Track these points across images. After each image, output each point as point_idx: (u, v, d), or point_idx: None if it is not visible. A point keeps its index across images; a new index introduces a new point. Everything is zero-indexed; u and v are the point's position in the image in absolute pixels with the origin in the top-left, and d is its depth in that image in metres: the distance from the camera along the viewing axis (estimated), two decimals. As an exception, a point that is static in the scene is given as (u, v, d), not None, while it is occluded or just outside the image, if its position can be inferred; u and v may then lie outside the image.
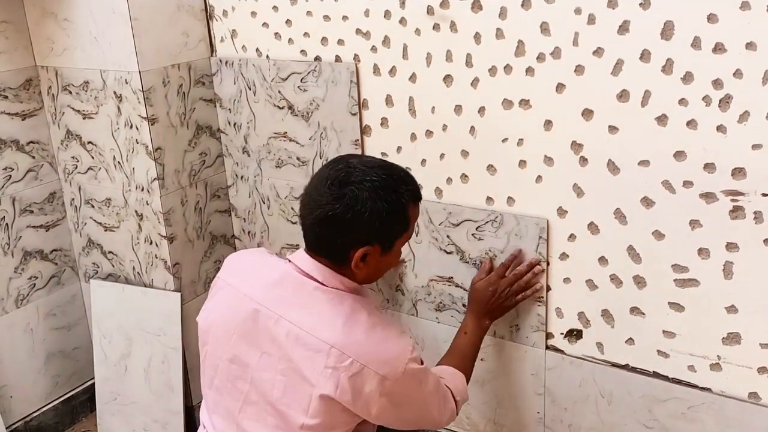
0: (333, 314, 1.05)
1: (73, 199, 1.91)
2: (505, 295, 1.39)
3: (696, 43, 1.15)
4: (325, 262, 1.10)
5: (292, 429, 1.05)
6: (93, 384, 1.98)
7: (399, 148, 1.55)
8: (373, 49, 1.50)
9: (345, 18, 1.52)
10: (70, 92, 1.77)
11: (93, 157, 1.81)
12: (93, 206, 1.87)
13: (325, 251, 1.09)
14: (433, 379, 1.14)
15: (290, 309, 1.06)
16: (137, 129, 1.68)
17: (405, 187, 1.09)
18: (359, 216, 1.03)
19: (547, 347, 1.48)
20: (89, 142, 1.80)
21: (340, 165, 1.07)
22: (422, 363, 1.11)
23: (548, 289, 1.44)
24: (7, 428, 1.86)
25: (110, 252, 1.90)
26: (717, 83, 1.15)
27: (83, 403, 2.05)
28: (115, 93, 1.68)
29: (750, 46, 1.11)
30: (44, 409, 1.97)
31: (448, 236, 1.53)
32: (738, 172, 1.17)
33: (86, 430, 2.02)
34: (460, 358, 1.31)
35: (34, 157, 1.84)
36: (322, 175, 1.07)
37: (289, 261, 1.13)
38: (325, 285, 1.08)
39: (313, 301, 1.07)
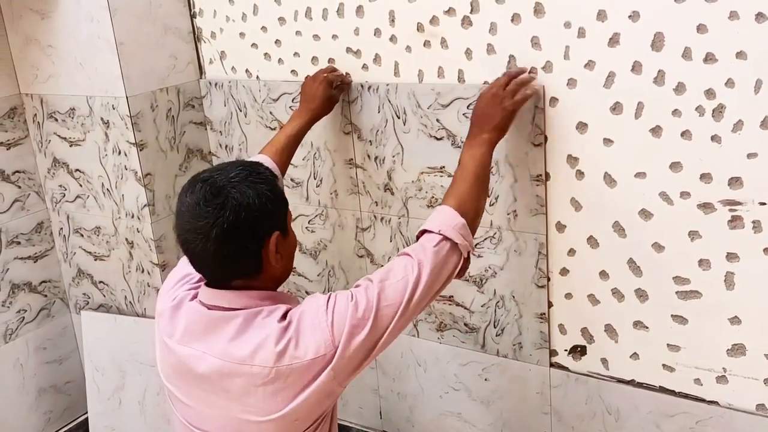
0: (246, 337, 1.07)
1: (61, 229, 1.98)
2: (503, 94, 1.31)
3: (687, 54, 1.22)
4: (236, 284, 1.09)
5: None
6: (87, 419, 2.03)
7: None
8: (365, 67, 1.58)
9: (335, 37, 1.60)
10: (56, 119, 1.85)
11: (81, 185, 1.88)
12: (82, 235, 1.94)
13: (236, 269, 1.09)
14: (363, 287, 1.10)
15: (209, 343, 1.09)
16: (126, 155, 1.75)
17: (262, 167, 1.13)
18: (251, 208, 1.04)
19: (552, 365, 1.55)
20: (77, 170, 1.87)
21: (197, 185, 1.06)
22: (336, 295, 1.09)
23: (550, 305, 1.50)
24: (-3, 468, 1.92)
25: (101, 282, 1.96)
26: (709, 93, 1.22)
27: (77, 439, 2.11)
28: (102, 119, 1.76)
29: (740, 55, 1.18)
30: (36, 446, 2.02)
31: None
32: (735, 182, 1.24)
33: (80, 468, 2.08)
34: (454, 187, 1.25)
35: (20, 187, 1.91)
36: (189, 204, 1.05)
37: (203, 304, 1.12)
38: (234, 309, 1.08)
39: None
